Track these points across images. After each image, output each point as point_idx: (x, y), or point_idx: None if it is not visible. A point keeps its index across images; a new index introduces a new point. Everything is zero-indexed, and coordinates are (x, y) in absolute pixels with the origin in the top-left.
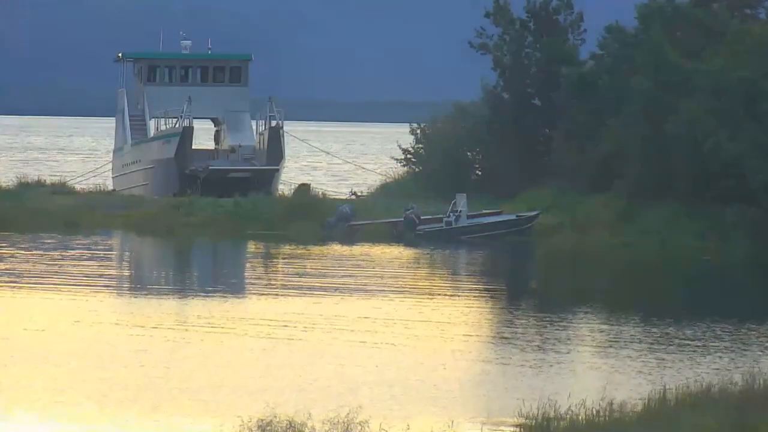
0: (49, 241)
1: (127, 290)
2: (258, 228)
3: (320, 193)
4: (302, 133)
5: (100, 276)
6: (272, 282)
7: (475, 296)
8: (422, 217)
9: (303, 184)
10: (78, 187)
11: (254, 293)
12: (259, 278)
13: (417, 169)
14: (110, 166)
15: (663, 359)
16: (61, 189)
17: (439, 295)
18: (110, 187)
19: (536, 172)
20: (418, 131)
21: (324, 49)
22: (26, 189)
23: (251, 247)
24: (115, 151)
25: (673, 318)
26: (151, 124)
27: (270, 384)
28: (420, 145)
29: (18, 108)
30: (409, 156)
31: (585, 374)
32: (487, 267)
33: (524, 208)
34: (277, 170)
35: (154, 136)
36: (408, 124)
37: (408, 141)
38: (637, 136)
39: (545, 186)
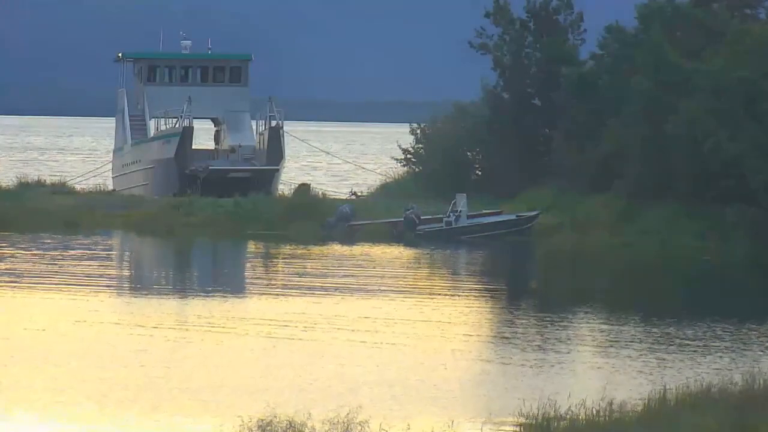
0: (49, 241)
1: (128, 290)
2: (258, 228)
3: (320, 193)
4: (302, 133)
5: (101, 276)
6: (272, 282)
7: (475, 296)
8: (422, 217)
9: (303, 184)
10: (78, 187)
11: (254, 293)
12: (259, 278)
13: (417, 169)
14: (110, 166)
15: (663, 359)
16: (61, 189)
17: (440, 295)
18: (110, 187)
19: (536, 172)
20: (418, 131)
21: (324, 49)
22: (26, 189)
23: (251, 247)
24: (115, 151)
25: (674, 318)
26: (151, 124)
27: (270, 384)
28: (420, 145)
29: (18, 108)
30: (409, 156)
31: (585, 374)
32: (487, 267)
33: (524, 208)
34: (277, 170)
35: (154, 136)
36: (408, 124)
37: (408, 141)
38: (637, 136)
39: (545, 186)
